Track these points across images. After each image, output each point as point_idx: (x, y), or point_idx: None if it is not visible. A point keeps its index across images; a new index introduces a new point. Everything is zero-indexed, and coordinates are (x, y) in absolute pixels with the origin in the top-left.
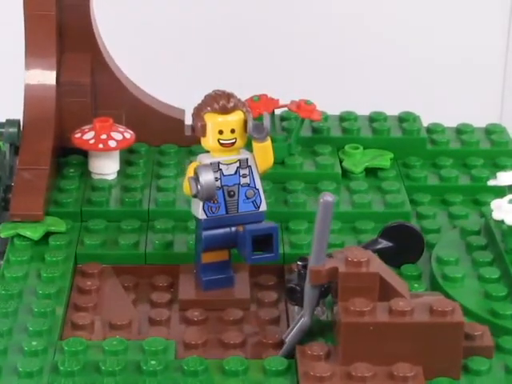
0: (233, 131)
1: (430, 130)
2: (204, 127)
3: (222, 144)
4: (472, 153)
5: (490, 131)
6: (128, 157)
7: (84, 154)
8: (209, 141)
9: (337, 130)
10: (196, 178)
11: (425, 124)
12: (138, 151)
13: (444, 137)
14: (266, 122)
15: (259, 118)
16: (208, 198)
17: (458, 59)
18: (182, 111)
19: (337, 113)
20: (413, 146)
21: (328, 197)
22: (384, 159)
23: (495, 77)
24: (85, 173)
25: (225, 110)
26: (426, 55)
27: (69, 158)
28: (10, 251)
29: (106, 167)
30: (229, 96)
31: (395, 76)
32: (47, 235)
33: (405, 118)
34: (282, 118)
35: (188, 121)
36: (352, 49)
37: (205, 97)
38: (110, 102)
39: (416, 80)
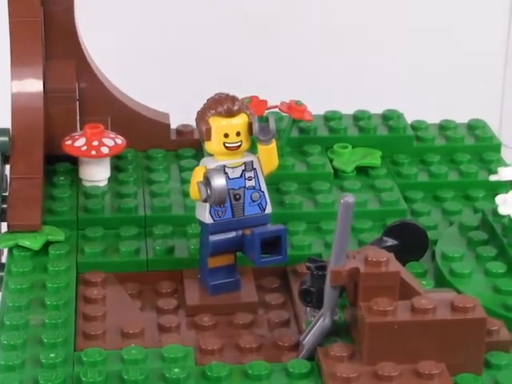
0: (238, 134)
1: (414, 127)
2: (209, 131)
3: (227, 147)
4: (458, 149)
5: (472, 127)
6: (116, 163)
7: (71, 161)
8: (213, 144)
9: (323, 130)
10: (206, 183)
11: (408, 121)
12: (125, 157)
13: (429, 133)
14: (272, 124)
15: (262, 120)
16: (220, 202)
17: (458, 60)
18: (167, 115)
19: (318, 112)
20: (400, 144)
21: (349, 198)
22: (374, 157)
23: (495, 77)
24: (75, 180)
25: (230, 113)
26: (423, 56)
27: (56, 165)
28: (11, 262)
29: (98, 174)
30: (233, 99)
31: (378, 76)
32: (46, 245)
33: (389, 116)
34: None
35: (173, 125)
36: (324, 48)
37: (208, 100)
38: (95, 108)
39: (411, 80)
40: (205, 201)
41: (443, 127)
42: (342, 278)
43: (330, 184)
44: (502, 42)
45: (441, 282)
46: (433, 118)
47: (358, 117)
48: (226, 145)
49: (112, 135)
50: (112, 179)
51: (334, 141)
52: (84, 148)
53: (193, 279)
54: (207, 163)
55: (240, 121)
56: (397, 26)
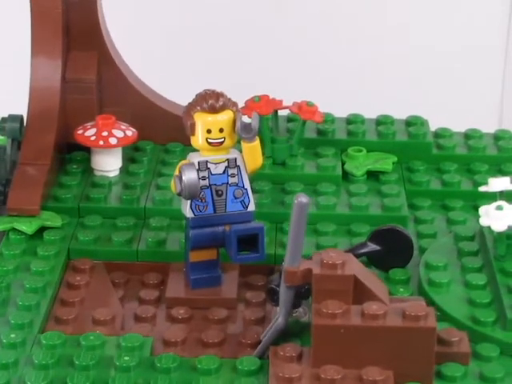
0: (221, 130)
1: (438, 134)
2: (193, 126)
3: (210, 143)
4: (478, 158)
5: (497, 137)
6: (132, 154)
7: (88, 151)
8: (198, 140)
9: (342, 133)
10: (180, 177)
11: (433, 128)
12: (143, 149)
13: (451, 142)
14: (255, 122)
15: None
16: (191, 196)
17: (459, 61)
18: None
19: (345, 115)
20: (417, 150)
21: (303, 198)
22: (386, 163)
23: (496, 78)
24: (87, 169)
25: (213, 110)
26: (436, 58)
27: (73, 154)
28: (4, 245)
29: (108, 164)
30: (218, 95)
31: (408, 80)
32: (43, 230)
33: (412, 122)
34: (288, 120)
35: None
36: (362, 51)
37: (196, 96)
38: (116, 100)
39: (426, 84)
40: (179, 194)
41: (468, 136)
42: (295, 279)
43: (337, 187)
44: (503, 41)
45: (420, 290)
46: (452, 125)
47: (380, 121)
48: (209, 140)
49: (123, 127)
50: (124, 170)
51: (351, 144)
52: (93, 138)
53: (179, 272)
54: (192, 158)
55: (224, 117)
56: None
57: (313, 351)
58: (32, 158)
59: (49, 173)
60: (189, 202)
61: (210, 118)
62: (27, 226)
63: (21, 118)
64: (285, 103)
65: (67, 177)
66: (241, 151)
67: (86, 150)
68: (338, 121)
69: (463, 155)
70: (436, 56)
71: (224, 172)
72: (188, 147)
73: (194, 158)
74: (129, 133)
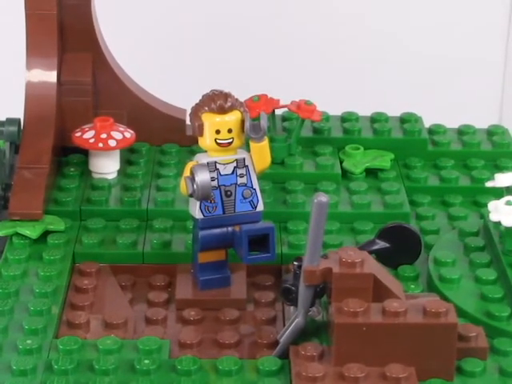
0: (230, 131)
1: (432, 131)
2: (201, 127)
3: (219, 144)
4: (473, 154)
5: (491, 132)
6: (129, 156)
7: (85, 153)
8: (206, 140)
9: (338, 131)
10: (192, 178)
11: (426, 125)
12: (139, 150)
13: (445, 138)
14: (263, 121)
15: (258, 118)
16: (204, 197)
17: (459, 60)
18: (184, 111)
19: (339, 113)
20: (413, 147)
21: (322, 197)
22: (384, 160)
23: (495, 77)
24: (85, 172)
25: (222, 110)
26: (428, 56)
27: (69, 157)
28: (8, 250)
29: (106, 166)
30: (226, 96)
31: (399, 77)
32: (46, 234)
33: (406, 119)
34: (284, 119)
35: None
36: (354, 49)
37: (202, 96)
38: (111, 102)
39: (418, 81)
40: (191, 196)
41: (461, 132)
42: (315, 278)
43: (337, 185)
44: (502, 43)
45: (431, 286)
46: (450, 122)
47: (374, 119)
48: (218, 141)
49: (121, 128)
50: (122, 172)
51: (348, 142)
52: (92, 140)
53: (186, 274)
54: (199, 159)
55: (232, 118)
56: (411, 28)
57: (335, 350)
58: (30, 162)
59: (48, 176)
60: (198, 203)
61: (219, 118)
62: (31, 231)
63: (18, 121)
64: (280, 102)
65: (66, 180)
66: (248, 151)
67: (83, 153)
68: (333, 119)
69: (459, 151)
70: (434, 55)
71: (233, 172)
72: (184, 148)
73: (203, 158)
74: (127, 135)
